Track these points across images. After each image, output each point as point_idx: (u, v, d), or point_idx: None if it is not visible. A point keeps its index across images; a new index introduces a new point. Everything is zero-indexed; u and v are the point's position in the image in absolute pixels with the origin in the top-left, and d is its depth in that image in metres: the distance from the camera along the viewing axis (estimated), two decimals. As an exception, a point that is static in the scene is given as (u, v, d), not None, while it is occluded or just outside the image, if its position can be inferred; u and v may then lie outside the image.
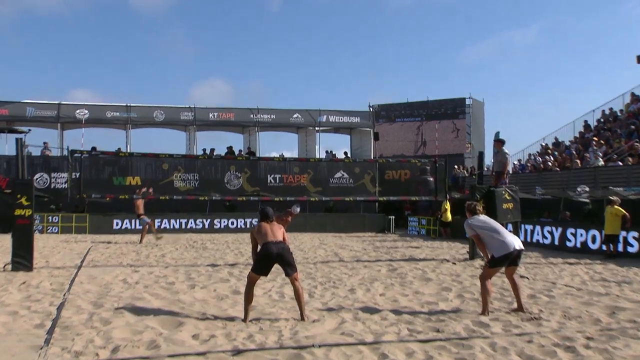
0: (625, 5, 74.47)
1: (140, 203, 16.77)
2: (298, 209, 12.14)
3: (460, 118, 28.99)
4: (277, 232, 6.26)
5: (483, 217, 7.02)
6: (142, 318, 6.09)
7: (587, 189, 16.32)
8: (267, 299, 7.45)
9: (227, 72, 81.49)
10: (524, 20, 78.12)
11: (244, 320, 6.02)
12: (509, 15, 78.70)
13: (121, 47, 75.02)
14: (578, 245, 14.43)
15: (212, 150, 25.33)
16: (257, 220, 6.74)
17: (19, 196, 10.45)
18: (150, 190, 17.44)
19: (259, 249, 6.23)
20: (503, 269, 6.70)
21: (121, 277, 9.40)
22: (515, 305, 6.74)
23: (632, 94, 22.61)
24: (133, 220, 20.66)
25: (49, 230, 20.60)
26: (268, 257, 6.05)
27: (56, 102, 25.04)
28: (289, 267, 6.15)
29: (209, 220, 22.24)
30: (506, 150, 13.23)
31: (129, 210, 18.79)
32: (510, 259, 6.51)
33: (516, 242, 6.56)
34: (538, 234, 15.97)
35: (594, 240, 13.97)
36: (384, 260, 12.55)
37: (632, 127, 19.53)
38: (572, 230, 14.78)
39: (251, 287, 6.14)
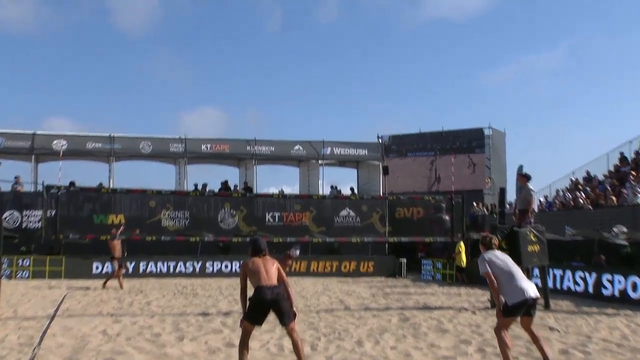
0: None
1: (116, 244, 17.03)
2: (297, 252, 12.24)
3: (477, 152, 29.37)
4: (271, 270, 6.23)
5: (500, 254, 6.98)
6: (122, 376, 6.10)
7: (625, 229, 16.31)
8: (264, 352, 7.44)
9: (221, 99, 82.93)
10: (548, 42, 79.67)
11: None
12: (531, 36, 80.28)
13: (103, 72, 76.60)
14: (616, 293, 14.23)
15: (205, 185, 25.79)
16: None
17: (-15, 237, 10.64)
18: (137, 230, 17.58)
19: (251, 293, 6.19)
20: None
21: (100, 328, 9.45)
22: None
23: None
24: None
25: (18, 275, 20.51)
26: (261, 304, 6.03)
27: (30, 131, 25.38)
28: (285, 316, 6.14)
29: (200, 264, 22.29)
30: (531, 186, 13.35)
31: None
32: (525, 308, 6.49)
33: (531, 289, 6.55)
34: (569, 280, 15.83)
35: (634, 288, 13.76)
36: (395, 308, 12.64)
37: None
38: (609, 276, 14.60)
39: (246, 338, 6.11)
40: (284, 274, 6.40)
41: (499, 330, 6.59)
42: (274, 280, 6.16)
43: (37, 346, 7.81)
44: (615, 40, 78.26)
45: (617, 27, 76.73)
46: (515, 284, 6.50)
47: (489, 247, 6.99)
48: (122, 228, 17.94)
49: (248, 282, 6.25)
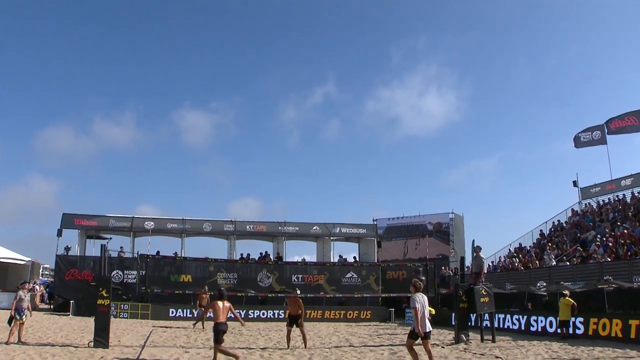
0: (555, 143, 79.91)
1: (205, 297, 17.71)
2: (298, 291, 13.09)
3: (426, 237, 30.36)
4: (225, 311, 8.40)
5: (422, 296, 7.48)
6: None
7: (545, 284, 16.75)
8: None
9: (258, 192, 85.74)
10: (486, 153, 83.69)
11: None
12: (475, 148, 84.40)
13: (177, 174, 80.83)
14: (539, 329, 14.60)
15: (248, 255, 25.88)
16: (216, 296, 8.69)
17: (100, 289, 11.18)
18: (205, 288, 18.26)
19: (214, 325, 8.40)
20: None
21: (175, 356, 9.50)
22: None
23: (572, 210, 23.99)
24: (185, 310, 21.10)
25: (120, 316, 20.70)
26: (222, 333, 8.39)
27: (130, 215, 26.01)
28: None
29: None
30: (482, 255, 13.82)
31: (182, 301, 19.00)
32: (425, 335, 7.34)
33: (428, 325, 7.37)
34: (508, 321, 16.11)
35: (551, 325, 14.22)
36: (386, 345, 12.38)
37: (577, 234, 20.62)
38: (535, 317, 15.02)
39: (222, 348, 8.52)
40: (234, 312, 8.62)
41: (409, 347, 7.41)
42: (224, 318, 8.37)
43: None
44: (529, 155, 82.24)
45: (531, 146, 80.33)
46: (424, 320, 7.22)
47: (418, 289, 7.42)
48: (206, 288, 18.62)
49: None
